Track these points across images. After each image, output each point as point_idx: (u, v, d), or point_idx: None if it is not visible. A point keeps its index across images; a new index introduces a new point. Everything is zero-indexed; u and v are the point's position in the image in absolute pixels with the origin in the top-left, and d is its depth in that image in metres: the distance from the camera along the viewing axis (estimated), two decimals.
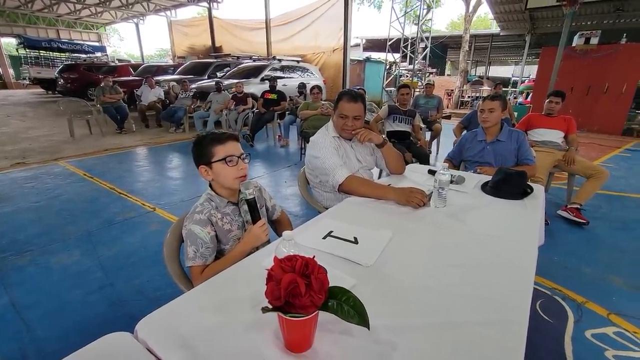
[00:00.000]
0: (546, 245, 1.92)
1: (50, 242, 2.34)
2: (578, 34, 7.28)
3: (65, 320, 1.62)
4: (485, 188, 1.58)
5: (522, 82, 13.17)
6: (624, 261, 2.23)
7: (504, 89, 10.76)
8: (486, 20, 23.55)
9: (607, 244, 2.47)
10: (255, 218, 1.15)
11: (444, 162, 2.38)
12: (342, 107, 1.63)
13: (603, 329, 1.60)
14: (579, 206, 2.74)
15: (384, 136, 1.77)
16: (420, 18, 10.76)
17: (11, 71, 17.79)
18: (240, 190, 1.20)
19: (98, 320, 1.62)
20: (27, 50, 16.11)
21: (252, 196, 1.12)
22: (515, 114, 5.88)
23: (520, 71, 13.47)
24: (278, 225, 1.46)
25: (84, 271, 2.02)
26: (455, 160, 2.40)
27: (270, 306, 0.59)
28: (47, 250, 2.24)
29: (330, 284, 0.61)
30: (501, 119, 2.23)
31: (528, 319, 0.77)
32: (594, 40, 7.02)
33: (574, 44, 7.23)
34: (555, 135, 3.04)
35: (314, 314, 0.60)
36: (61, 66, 12.24)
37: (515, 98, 11.82)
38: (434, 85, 5.58)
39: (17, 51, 17.25)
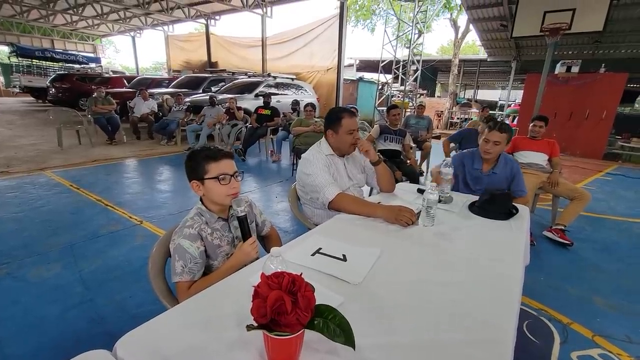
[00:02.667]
0: (533, 266, 1.94)
1: (30, 255, 2.26)
2: (560, 62, 7.63)
3: (40, 337, 1.54)
4: (473, 208, 1.61)
5: (509, 105, 13.63)
6: (606, 282, 2.27)
7: (490, 111, 11.09)
8: (474, 47, 24.54)
9: (591, 265, 2.51)
10: (245, 235, 1.14)
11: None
12: (348, 124, 1.65)
13: (588, 351, 1.61)
14: (563, 227, 2.80)
15: (378, 153, 1.80)
16: (412, 42, 11.14)
17: (1, 79, 17.59)
18: (231, 207, 1.20)
19: (76, 338, 1.55)
20: (20, 58, 16.01)
21: (243, 213, 1.12)
22: None
23: (507, 95, 13.97)
24: (267, 241, 1.46)
25: (64, 285, 1.95)
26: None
27: (255, 324, 0.58)
28: (25, 263, 2.16)
29: (318, 302, 0.60)
30: None
31: (514, 338, 0.78)
32: (575, 69, 7.37)
33: (556, 72, 7.57)
34: (540, 158, 3.14)
35: (299, 332, 0.59)
36: (53, 75, 12.18)
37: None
38: (425, 106, 5.73)
39: (9, 59, 17.12)
